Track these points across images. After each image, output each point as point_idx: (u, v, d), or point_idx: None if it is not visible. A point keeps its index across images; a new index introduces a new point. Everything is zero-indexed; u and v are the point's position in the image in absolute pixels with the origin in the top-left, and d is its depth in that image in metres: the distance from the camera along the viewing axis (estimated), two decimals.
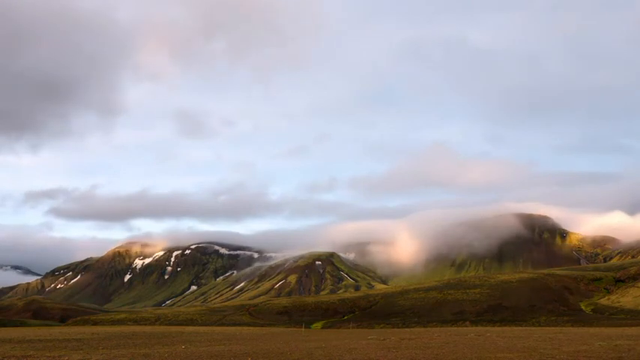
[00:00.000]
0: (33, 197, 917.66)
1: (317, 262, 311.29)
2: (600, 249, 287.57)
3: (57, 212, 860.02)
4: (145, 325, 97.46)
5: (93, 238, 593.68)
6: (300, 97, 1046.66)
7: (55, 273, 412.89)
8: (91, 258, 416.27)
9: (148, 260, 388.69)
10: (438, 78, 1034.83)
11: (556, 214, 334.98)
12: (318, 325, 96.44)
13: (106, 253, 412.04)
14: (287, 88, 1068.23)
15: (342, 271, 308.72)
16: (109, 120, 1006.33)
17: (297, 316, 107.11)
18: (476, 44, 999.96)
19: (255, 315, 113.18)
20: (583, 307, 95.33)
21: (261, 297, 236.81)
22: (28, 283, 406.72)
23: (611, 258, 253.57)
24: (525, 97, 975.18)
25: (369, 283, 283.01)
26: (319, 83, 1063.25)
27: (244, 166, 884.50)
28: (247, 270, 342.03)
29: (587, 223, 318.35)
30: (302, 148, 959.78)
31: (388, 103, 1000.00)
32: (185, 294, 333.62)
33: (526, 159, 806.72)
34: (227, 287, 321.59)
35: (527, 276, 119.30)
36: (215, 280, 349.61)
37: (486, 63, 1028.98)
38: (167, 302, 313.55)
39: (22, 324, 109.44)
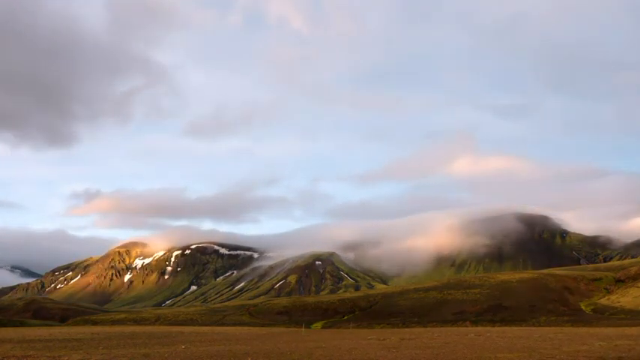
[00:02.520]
0: (34, 196, 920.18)
1: (317, 262, 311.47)
2: (600, 249, 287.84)
3: (58, 211, 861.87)
4: (145, 325, 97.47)
5: (93, 238, 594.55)
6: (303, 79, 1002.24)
7: (55, 273, 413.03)
8: (91, 258, 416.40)
9: (147, 260, 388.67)
10: (455, 53, 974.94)
11: (556, 213, 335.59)
12: (318, 325, 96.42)
13: (106, 252, 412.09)
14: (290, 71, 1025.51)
15: (342, 271, 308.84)
16: (113, 118, 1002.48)
17: (297, 316, 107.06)
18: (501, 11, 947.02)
19: (255, 315, 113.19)
20: (583, 307, 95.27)
21: (261, 297, 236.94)
22: (28, 283, 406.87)
23: (611, 258, 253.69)
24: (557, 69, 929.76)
25: (369, 283, 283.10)
26: (325, 61, 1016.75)
27: (244, 165, 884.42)
28: (247, 270, 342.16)
29: (588, 223, 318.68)
30: (305, 141, 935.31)
31: (401, 84, 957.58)
32: (185, 294, 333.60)
33: (540, 150, 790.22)
34: (227, 287, 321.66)
35: (527, 276, 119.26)
36: (215, 280, 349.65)
37: (511, 34, 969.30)
38: (167, 302, 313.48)
39: (22, 324, 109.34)
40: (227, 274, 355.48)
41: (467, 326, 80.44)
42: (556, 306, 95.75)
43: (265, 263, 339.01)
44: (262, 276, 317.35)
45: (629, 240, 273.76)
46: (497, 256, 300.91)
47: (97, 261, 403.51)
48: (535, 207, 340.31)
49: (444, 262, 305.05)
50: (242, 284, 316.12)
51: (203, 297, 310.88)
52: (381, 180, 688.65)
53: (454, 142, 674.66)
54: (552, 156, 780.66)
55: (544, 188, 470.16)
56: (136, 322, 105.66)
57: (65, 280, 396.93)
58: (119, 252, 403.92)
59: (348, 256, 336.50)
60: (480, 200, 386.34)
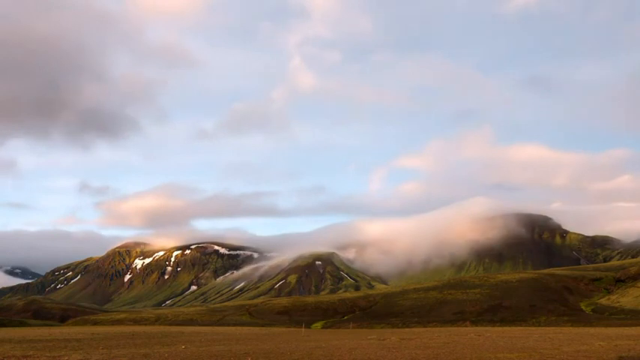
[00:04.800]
0: (34, 196, 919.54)
1: (317, 262, 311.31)
2: (600, 249, 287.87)
3: (57, 211, 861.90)
4: (145, 325, 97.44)
5: (93, 238, 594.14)
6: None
7: (55, 273, 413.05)
8: (91, 258, 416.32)
9: (148, 260, 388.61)
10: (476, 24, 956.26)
11: (556, 213, 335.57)
12: (318, 325, 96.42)
13: (106, 253, 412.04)
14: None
15: (342, 271, 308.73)
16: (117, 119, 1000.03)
17: (297, 316, 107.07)
18: None
19: (255, 315, 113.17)
20: (583, 307, 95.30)
21: (261, 297, 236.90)
22: (28, 283, 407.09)
23: (611, 258, 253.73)
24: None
25: (369, 283, 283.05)
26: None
27: (245, 164, 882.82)
28: (247, 270, 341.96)
29: (588, 222, 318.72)
30: (307, 139, 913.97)
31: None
32: (185, 294, 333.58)
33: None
34: (227, 287, 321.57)
35: (527, 276, 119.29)
36: (215, 280, 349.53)
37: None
38: (167, 302, 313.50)
39: (22, 324, 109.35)
40: (227, 274, 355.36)
41: (467, 326, 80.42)
42: (556, 306, 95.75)
43: (265, 263, 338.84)
44: (262, 276, 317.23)
45: (629, 240, 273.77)
46: (497, 256, 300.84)
47: (97, 261, 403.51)
48: (536, 206, 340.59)
49: (444, 262, 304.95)
50: (242, 284, 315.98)
51: (203, 297, 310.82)
52: (382, 178, 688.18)
53: (459, 140, 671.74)
54: (568, 144, 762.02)
55: (548, 186, 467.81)
56: (136, 322, 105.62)
57: (65, 280, 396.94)
58: (119, 252, 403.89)
59: (348, 256, 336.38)
60: (482, 199, 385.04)
